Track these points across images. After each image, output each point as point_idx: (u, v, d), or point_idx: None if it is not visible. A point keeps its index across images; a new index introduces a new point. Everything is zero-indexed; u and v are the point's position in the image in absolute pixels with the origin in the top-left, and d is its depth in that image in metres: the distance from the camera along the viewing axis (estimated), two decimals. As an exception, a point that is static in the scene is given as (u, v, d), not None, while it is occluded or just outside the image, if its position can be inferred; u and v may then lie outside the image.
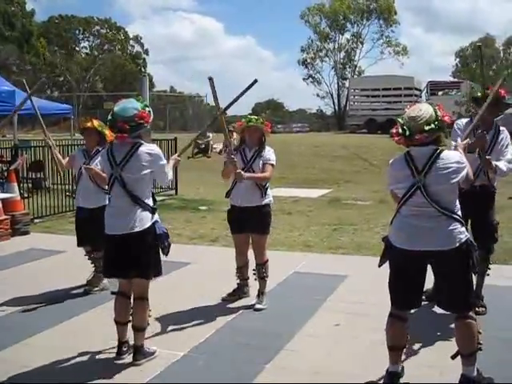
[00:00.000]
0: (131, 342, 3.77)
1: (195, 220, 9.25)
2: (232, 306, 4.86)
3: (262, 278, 4.86)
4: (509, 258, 6.26)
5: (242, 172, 4.61)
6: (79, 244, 5.36)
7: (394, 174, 3.28)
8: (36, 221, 8.94)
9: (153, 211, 3.69)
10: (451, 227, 3.10)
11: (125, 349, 3.76)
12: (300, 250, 7.08)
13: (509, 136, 4.46)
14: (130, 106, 3.61)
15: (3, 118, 6.76)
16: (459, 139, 3.89)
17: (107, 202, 3.95)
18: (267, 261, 4.87)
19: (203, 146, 20.38)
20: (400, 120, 3.20)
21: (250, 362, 3.72)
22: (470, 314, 3.19)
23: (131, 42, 56.63)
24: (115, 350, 3.77)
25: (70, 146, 10.14)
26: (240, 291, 5.03)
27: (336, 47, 50.70)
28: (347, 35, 50.76)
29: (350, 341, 4.07)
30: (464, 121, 4.52)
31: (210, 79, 4.39)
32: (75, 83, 49.85)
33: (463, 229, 3.16)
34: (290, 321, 4.50)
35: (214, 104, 4.68)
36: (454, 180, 3.10)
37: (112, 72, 53.13)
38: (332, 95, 51.13)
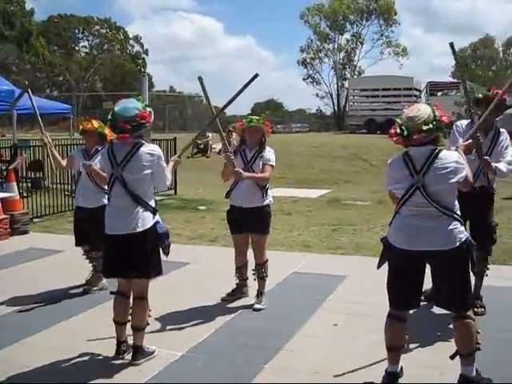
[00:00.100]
0: (130, 342, 3.77)
1: (194, 220, 9.25)
2: (231, 305, 4.86)
3: (261, 277, 4.86)
4: (508, 258, 6.27)
5: (241, 170, 4.61)
6: (77, 243, 5.37)
7: (393, 174, 3.28)
8: (35, 220, 8.94)
9: (154, 212, 3.69)
10: (451, 227, 3.10)
11: (124, 348, 3.76)
12: (299, 250, 7.08)
13: (508, 137, 4.46)
14: (131, 105, 3.61)
15: (2, 118, 6.77)
16: (460, 140, 3.88)
17: (107, 202, 3.94)
18: (267, 261, 4.87)
19: (202, 146, 20.39)
20: (398, 120, 3.21)
21: (249, 362, 3.72)
22: (469, 314, 3.19)
23: (131, 41, 56.71)
24: (114, 350, 3.77)
25: (69, 146, 10.14)
26: (239, 291, 5.03)
27: (336, 47, 50.78)
28: (347, 35, 50.90)
29: (349, 341, 4.07)
30: (464, 123, 4.47)
31: (200, 78, 4.39)
32: (74, 83, 49.83)
33: (463, 228, 3.17)
34: (290, 321, 4.50)
35: (213, 104, 4.68)
36: (453, 180, 3.10)
37: (111, 72, 53.13)
38: (332, 95, 51.24)
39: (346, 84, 46.72)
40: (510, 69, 50.04)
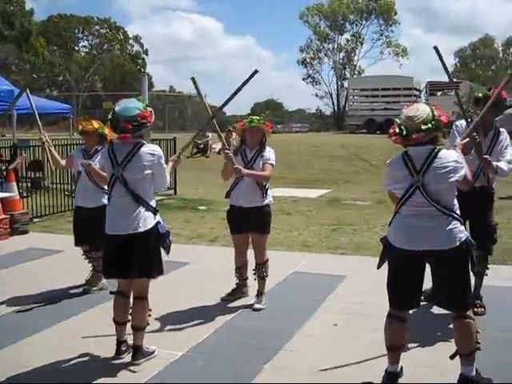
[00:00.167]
0: (130, 342, 3.77)
1: (194, 220, 9.25)
2: (231, 305, 4.86)
3: (261, 277, 4.86)
4: (508, 258, 6.27)
5: (241, 167, 4.60)
6: (77, 243, 5.37)
7: (392, 174, 3.28)
8: (35, 220, 8.94)
9: (155, 212, 3.69)
10: (451, 226, 3.10)
11: (123, 348, 3.76)
12: (299, 250, 7.08)
13: (508, 137, 4.46)
14: (132, 105, 3.60)
15: (2, 118, 6.78)
16: (458, 139, 3.89)
17: (106, 202, 3.94)
18: (267, 260, 4.87)
19: (202, 145, 20.39)
20: (397, 120, 3.21)
21: (248, 362, 3.72)
22: (469, 313, 3.19)
23: (130, 41, 56.72)
24: (114, 350, 3.77)
25: (68, 146, 10.14)
26: (239, 291, 5.03)
27: (335, 47, 50.78)
28: (347, 35, 50.89)
29: (349, 341, 4.07)
30: (464, 122, 4.45)
31: (193, 78, 4.39)
32: (74, 83, 49.81)
33: (462, 227, 3.17)
34: (289, 321, 4.49)
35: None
36: (453, 179, 3.10)
37: (111, 72, 53.12)
38: (331, 95, 51.23)
39: (346, 84, 46.71)
40: (510, 68, 50.07)
